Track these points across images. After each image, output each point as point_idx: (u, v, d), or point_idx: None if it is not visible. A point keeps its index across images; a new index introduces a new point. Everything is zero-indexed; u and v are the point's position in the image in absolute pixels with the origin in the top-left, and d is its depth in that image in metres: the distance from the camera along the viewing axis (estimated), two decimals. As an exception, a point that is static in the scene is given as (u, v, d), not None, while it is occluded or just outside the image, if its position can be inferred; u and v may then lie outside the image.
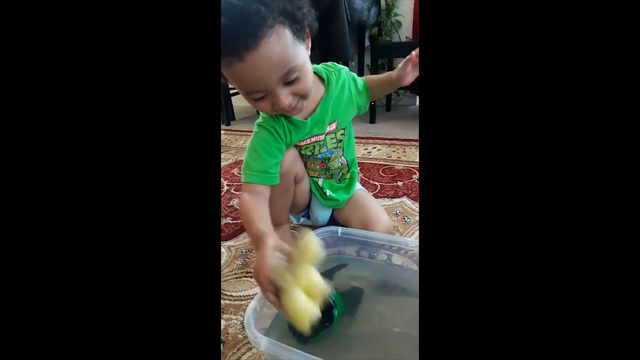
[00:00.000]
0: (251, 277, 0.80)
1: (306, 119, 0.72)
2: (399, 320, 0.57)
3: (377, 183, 1.17)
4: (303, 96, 0.61)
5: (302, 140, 0.74)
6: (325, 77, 0.74)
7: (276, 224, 0.85)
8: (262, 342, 0.45)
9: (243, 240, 0.94)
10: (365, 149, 1.52)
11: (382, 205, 1.01)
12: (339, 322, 0.56)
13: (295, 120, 0.71)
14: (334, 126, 0.76)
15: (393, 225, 0.91)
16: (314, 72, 0.69)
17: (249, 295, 0.74)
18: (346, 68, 0.79)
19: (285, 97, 0.57)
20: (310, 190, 0.85)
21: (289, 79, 0.55)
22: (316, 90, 0.72)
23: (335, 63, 0.78)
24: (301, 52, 0.56)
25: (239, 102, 2.65)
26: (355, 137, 1.56)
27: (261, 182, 0.69)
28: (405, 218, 0.96)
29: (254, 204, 0.64)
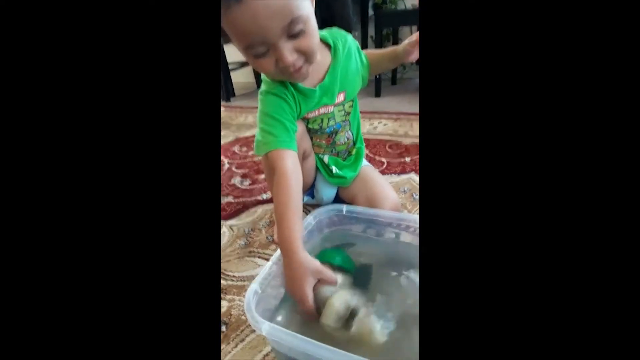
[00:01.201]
0: (255, 257, 0.77)
1: (315, 87, 0.67)
2: (410, 297, 0.54)
3: (383, 159, 1.13)
4: (308, 57, 0.56)
5: (311, 112, 0.70)
6: (331, 44, 0.69)
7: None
8: (264, 326, 0.42)
9: (245, 219, 0.91)
10: (370, 124, 1.47)
11: (389, 182, 0.97)
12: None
13: (303, 89, 0.66)
14: (342, 97, 0.71)
15: (401, 202, 0.87)
16: (320, 39, 0.64)
17: (252, 275, 0.72)
18: (350, 35, 0.73)
19: (290, 53, 0.52)
20: (316, 167, 0.81)
21: (293, 31, 0.51)
22: (322, 57, 0.67)
23: (339, 29, 0.72)
24: (306, 4, 0.51)
25: (239, 77, 2.57)
26: (361, 112, 1.50)
27: (292, 147, 0.62)
28: (414, 195, 0.92)
29: (296, 183, 0.58)
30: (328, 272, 0.51)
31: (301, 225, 0.57)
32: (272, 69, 0.56)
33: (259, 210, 0.95)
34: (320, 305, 0.49)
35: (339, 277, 0.52)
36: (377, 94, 1.89)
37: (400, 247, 0.67)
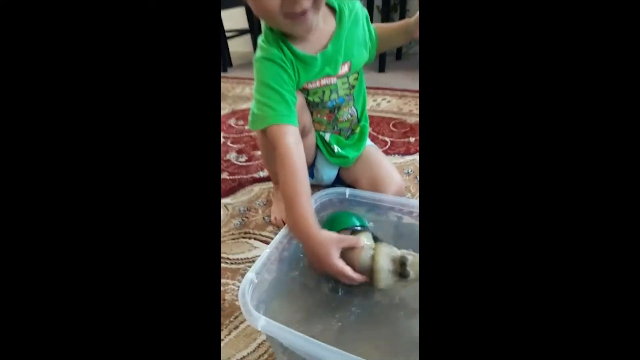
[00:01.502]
0: (250, 239, 0.74)
1: (316, 54, 0.61)
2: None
3: (387, 139, 1.08)
4: (316, 1, 0.51)
5: (311, 82, 0.64)
6: (337, 8, 0.62)
7: (279, 183, 0.78)
8: (260, 322, 0.39)
9: (241, 197, 0.87)
10: (374, 101, 1.41)
11: (393, 164, 0.92)
12: None
13: (303, 56, 0.60)
14: (346, 68, 0.65)
15: (405, 185, 0.83)
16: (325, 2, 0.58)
17: (248, 258, 0.68)
18: (359, 1, 0.66)
19: None
20: (317, 145, 0.76)
21: None
22: (326, 22, 0.61)
23: None
24: None
25: (236, 46, 2.46)
26: (364, 87, 1.40)
27: (293, 122, 0.58)
28: (418, 177, 0.88)
29: (301, 162, 0.55)
30: (348, 238, 0.51)
31: (312, 205, 0.55)
32: (276, 8, 0.50)
33: (256, 188, 0.90)
34: (363, 272, 0.49)
35: (363, 238, 0.52)
36: (381, 68, 1.82)
37: (403, 227, 0.64)
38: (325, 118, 0.71)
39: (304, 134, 0.69)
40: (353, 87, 0.69)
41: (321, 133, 0.74)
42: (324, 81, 0.64)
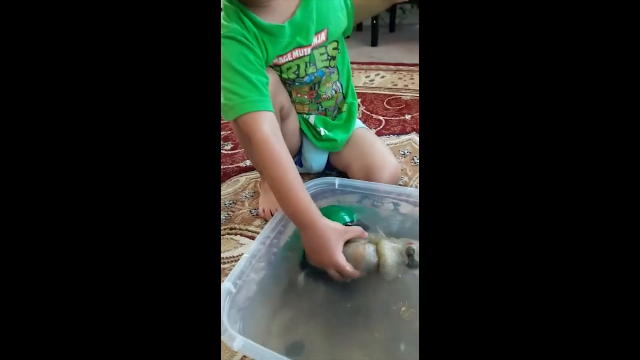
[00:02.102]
0: (235, 235, 0.69)
1: (283, 23, 0.54)
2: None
3: (381, 117, 1.01)
4: None
5: (282, 56, 0.56)
6: None
7: (266, 173, 0.72)
8: (236, 342, 0.34)
9: (226, 189, 0.82)
10: (367, 77, 1.33)
11: (388, 145, 0.86)
12: None
13: (268, 26, 0.53)
14: (323, 36, 0.58)
15: (400, 167, 0.77)
16: None
17: (234, 257, 0.64)
18: None
19: None
20: (301, 130, 0.69)
21: None
22: None
23: None
24: None
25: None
26: (355, 63, 1.34)
27: (266, 108, 0.51)
28: (415, 158, 0.82)
29: (283, 149, 0.50)
30: (353, 229, 0.49)
31: (306, 192, 0.51)
32: None
33: (242, 179, 0.85)
34: (368, 267, 0.48)
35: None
36: (374, 42, 1.73)
37: (398, 219, 0.60)
38: (306, 97, 0.64)
39: (283, 116, 0.62)
40: (333, 58, 0.61)
41: (305, 116, 0.67)
42: (296, 53, 0.57)
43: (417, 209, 0.58)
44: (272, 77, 0.56)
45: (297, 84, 0.61)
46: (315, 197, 0.60)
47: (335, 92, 0.66)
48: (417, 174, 0.78)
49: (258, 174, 0.82)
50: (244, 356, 0.46)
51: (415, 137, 0.90)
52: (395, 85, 1.22)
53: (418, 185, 0.74)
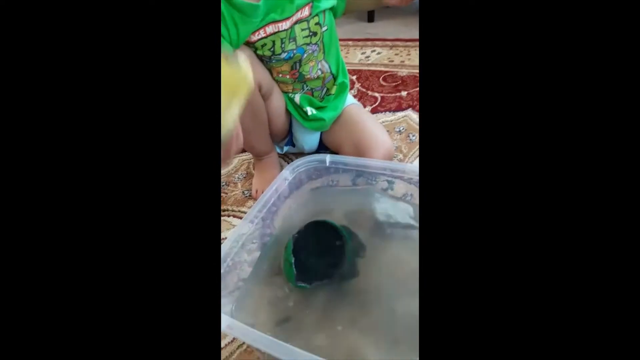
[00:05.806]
0: (228, 216, 0.68)
1: (258, 1, 0.51)
2: (401, 270, 0.46)
3: (377, 94, 0.99)
4: None
5: (255, 32, 0.54)
6: None
7: (258, 154, 0.70)
8: (223, 321, 0.34)
9: (219, 171, 0.81)
10: (362, 53, 1.29)
11: (383, 122, 0.84)
12: (351, 261, 0.49)
13: (241, 4, 0.50)
14: (307, 11, 0.55)
15: (395, 145, 0.76)
16: None
17: (226, 238, 0.63)
18: None
19: None
20: (288, 110, 0.67)
21: None
22: None
23: None
24: None
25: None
26: (351, 40, 1.30)
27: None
28: (410, 136, 0.80)
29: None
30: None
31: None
32: None
33: (235, 160, 0.83)
34: None
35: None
36: (370, 18, 1.67)
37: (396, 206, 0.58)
38: (288, 77, 0.62)
39: (265, 95, 0.60)
40: (315, 34, 0.58)
41: (290, 95, 0.65)
42: (269, 29, 0.54)
43: (415, 187, 0.57)
44: (248, 52, 0.54)
45: (274, 61, 0.59)
46: (307, 177, 0.59)
47: (322, 72, 0.63)
48: (413, 152, 0.76)
49: (251, 156, 0.81)
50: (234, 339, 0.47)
51: (411, 114, 0.88)
52: (392, 61, 1.19)
53: (413, 162, 0.73)
